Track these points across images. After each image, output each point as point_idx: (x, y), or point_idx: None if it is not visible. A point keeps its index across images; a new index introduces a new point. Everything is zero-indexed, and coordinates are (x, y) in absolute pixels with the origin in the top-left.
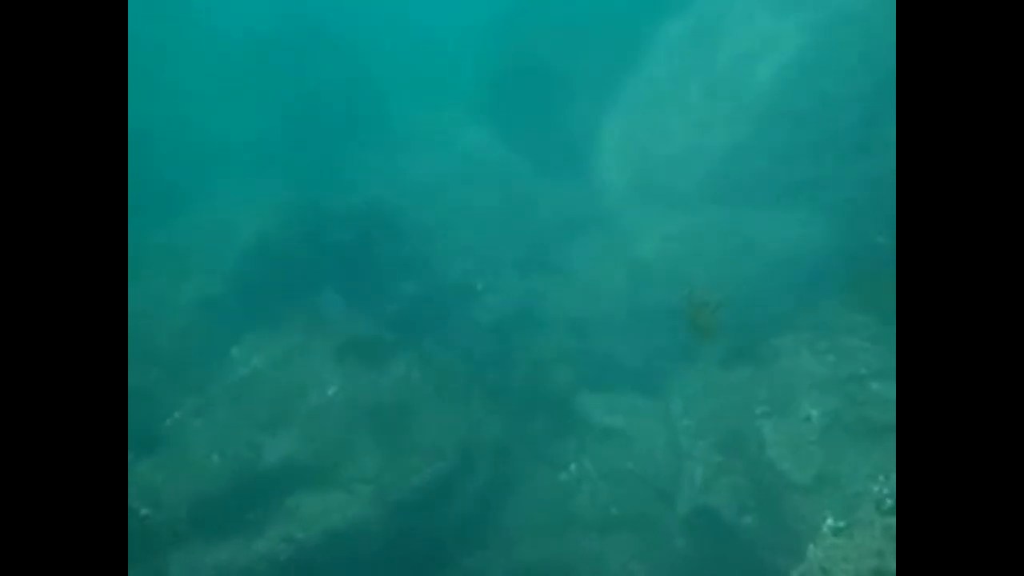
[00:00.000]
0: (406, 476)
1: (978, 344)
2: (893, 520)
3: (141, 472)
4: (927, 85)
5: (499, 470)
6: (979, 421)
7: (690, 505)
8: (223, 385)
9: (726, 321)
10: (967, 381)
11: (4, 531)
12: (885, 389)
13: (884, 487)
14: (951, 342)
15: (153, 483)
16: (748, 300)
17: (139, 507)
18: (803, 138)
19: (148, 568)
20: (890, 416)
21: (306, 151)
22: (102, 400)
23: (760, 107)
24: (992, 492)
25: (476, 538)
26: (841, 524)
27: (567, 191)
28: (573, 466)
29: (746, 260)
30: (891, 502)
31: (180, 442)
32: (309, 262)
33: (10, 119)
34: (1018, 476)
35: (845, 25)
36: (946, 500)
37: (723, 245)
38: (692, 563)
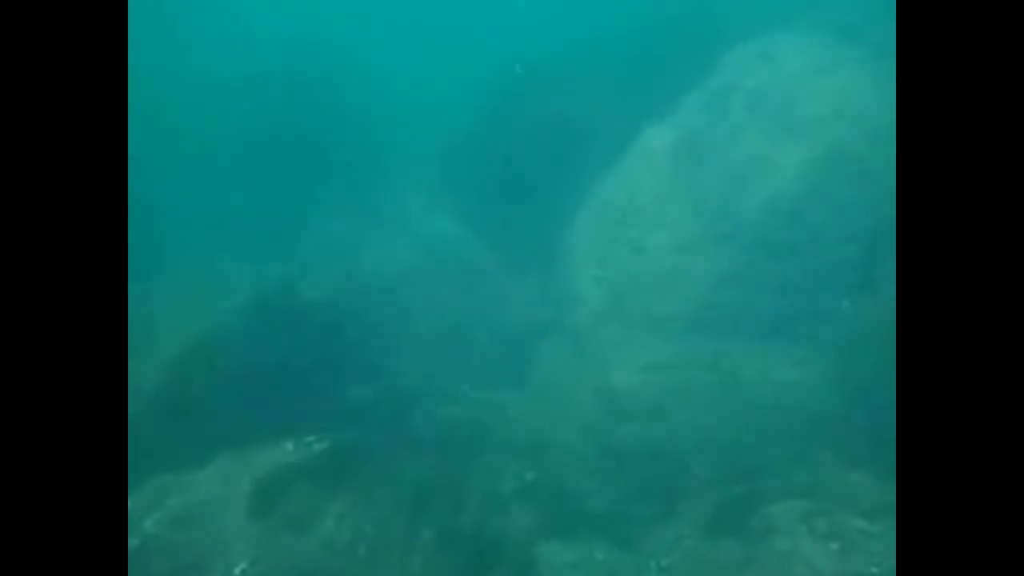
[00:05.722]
0: None
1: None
2: None
3: None
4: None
5: None
6: None
7: None
8: None
9: (711, 472)
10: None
11: None
12: None
13: None
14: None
15: None
16: (735, 447)
17: None
18: (797, 270)
19: None
20: None
21: (265, 226)
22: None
23: (749, 235)
24: None
25: None
26: None
27: (536, 295)
28: None
29: (733, 400)
30: None
31: None
32: (247, 378)
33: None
34: None
35: (841, 163)
36: None
37: (708, 382)
38: None
